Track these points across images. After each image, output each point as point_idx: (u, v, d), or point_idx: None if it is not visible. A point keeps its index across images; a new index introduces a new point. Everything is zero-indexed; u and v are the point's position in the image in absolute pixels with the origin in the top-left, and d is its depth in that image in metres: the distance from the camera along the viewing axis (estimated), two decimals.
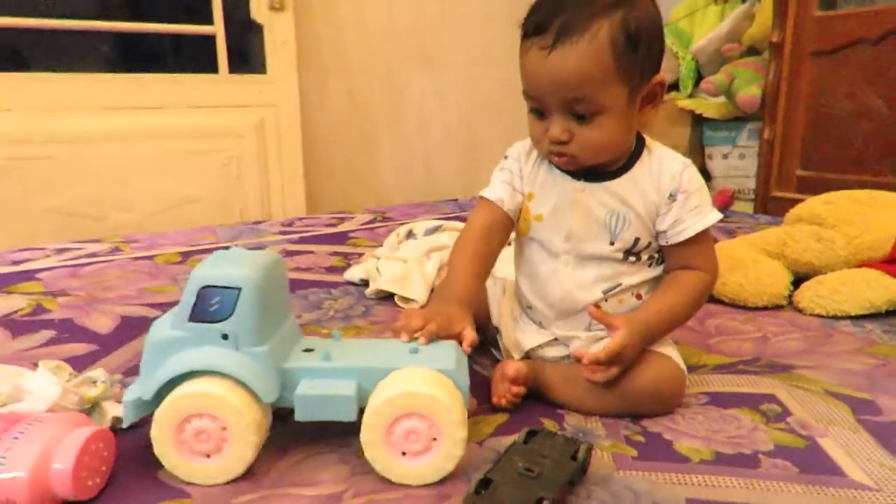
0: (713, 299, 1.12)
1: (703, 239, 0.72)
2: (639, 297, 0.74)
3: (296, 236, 1.66)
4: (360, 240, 1.62)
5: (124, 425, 0.62)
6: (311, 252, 1.48)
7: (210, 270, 0.60)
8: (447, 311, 0.68)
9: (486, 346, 0.87)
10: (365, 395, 0.60)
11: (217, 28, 1.94)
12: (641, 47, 0.65)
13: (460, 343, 0.66)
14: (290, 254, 1.46)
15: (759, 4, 2.22)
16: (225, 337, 0.58)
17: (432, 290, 1.10)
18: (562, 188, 0.73)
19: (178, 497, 0.56)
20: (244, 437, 0.57)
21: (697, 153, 2.37)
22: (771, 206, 2.02)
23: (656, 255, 0.74)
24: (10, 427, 0.54)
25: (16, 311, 1.07)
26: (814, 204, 1.22)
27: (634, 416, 0.70)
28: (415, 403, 0.57)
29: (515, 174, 0.76)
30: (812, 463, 0.62)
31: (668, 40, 2.44)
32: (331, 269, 1.33)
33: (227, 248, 1.50)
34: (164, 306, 1.08)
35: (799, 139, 1.96)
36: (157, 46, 2.02)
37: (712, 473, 0.60)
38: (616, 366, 0.67)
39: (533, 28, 0.65)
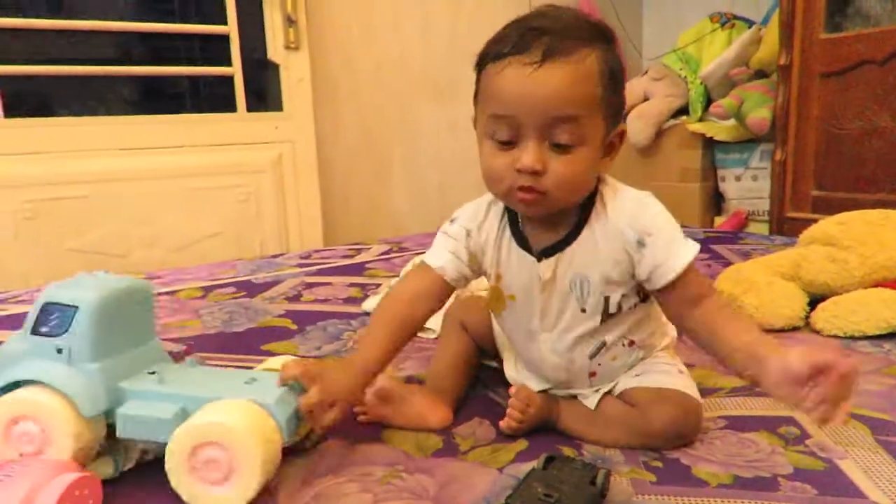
0: None
1: (690, 271, 0.65)
2: (630, 343, 0.72)
3: (314, 268, 1.68)
4: (376, 270, 1.64)
5: None
6: (329, 284, 1.51)
7: (56, 289, 0.65)
8: (334, 380, 0.65)
9: (501, 372, 0.87)
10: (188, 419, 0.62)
11: (235, 69, 2.00)
12: (618, 87, 0.64)
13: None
14: (308, 286, 1.49)
15: (765, 28, 2.25)
16: (60, 351, 0.62)
17: None
18: (525, 269, 0.70)
19: None
20: (63, 443, 0.60)
21: (710, 176, 2.38)
22: (786, 226, 2.02)
23: (637, 299, 0.70)
24: None
25: None
26: (827, 225, 1.22)
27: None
28: (211, 432, 0.58)
29: (460, 243, 0.72)
30: (831, 485, 0.62)
31: (677, 65, 2.48)
32: (349, 300, 1.36)
33: (248, 281, 1.54)
34: (187, 340, 1.10)
35: (812, 160, 1.97)
36: (177, 88, 2.09)
37: (731, 497, 0.60)
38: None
39: (510, 47, 0.61)
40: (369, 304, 1.27)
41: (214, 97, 2.08)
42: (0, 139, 1.73)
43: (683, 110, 2.45)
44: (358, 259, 1.81)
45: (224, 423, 0.58)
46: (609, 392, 0.74)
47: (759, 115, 2.07)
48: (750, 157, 2.27)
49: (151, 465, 0.67)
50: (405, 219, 2.45)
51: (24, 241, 1.77)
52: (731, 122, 2.24)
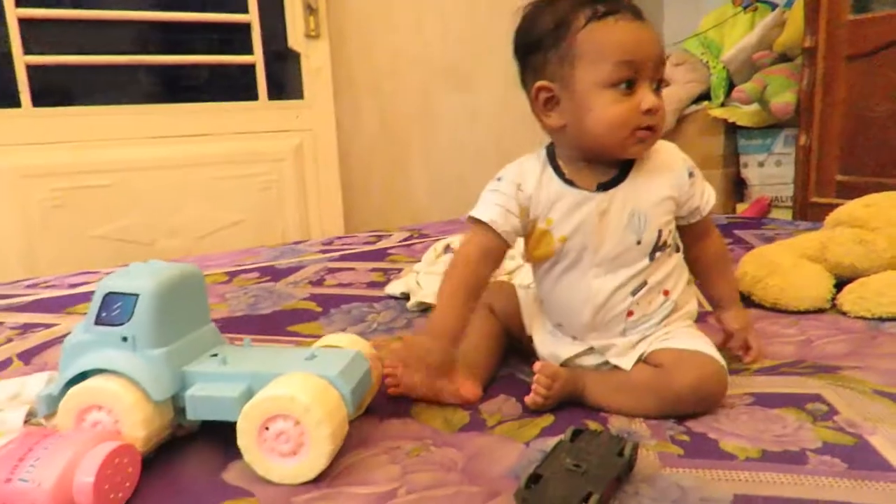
0: (753, 304, 1.11)
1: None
2: (665, 293, 0.77)
3: (336, 254, 1.70)
4: (398, 256, 1.65)
5: (39, 416, 0.67)
6: (352, 269, 1.52)
7: (115, 279, 0.65)
8: (433, 360, 0.73)
9: (527, 354, 0.88)
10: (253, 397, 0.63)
11: (256, 57, 2.02)
12: None
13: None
14: (331, 271, 1.50)
15: (788, 11, 2.22)
16: (125, 339, 0.63)
17: None
18: (582, 204, 0.73)
19: (243, 497, 0.59)
20: (134, 430, 0.62)
21: (732, 162, 2.35)
22: (810, 212, 2.00)
23: (672, 243, 0.78)
24: (42, 440, 0.58)
25: None
26: (854, 207, 1.21)
27: (677, 417, 0.71)
28: (278, 406, 0.59)
29: (510, 197, 0.75)
30: (861, 459, 0.62)
31: (698, 50, 2.45)
32: (372, 285, 1.37)
33: (271, 266, 1.56)
34: (215, 323, 1.12)
35: (837, 144, 1.95)
36: (199, 77, 2.11)
37: (759, 470, 0.60)
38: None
39: (605, 10, 0.69)
40: (392, 288, 1.28)
41: (236, 86, 2.10)
42: (28, 128, 1.77)
43: (705, 96, 2.43)
44: (379, 245, 1.82)
45: (291, 395, 0.59)
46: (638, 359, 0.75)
47: (783, 99, 2.04)
48: (773, 142, 2.25)
49: (186, 440, 0.69)
50: (424, 207, 2.46)
51: (52, 229, 1.80)
52: (754, 106, 2.22)
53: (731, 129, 2.33)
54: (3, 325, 1.17)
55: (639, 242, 0.74)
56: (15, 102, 1.76)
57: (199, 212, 1.99)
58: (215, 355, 0.69)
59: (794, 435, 0.67)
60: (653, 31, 0.70)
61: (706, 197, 0.79)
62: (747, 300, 1.13)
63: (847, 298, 1.06)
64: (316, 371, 0.63)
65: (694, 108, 2.41)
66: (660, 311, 0.76)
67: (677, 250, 0.79)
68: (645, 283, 0.75)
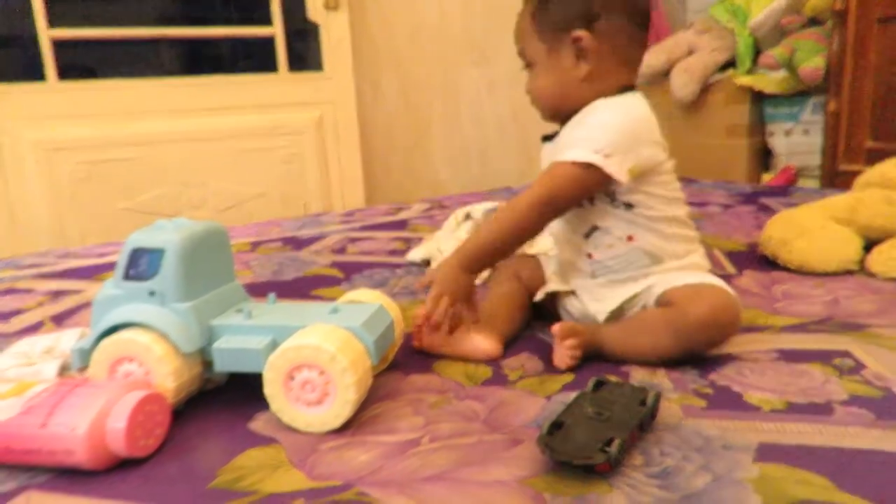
0: (778, 267, 1.10)
1: (556, 167, 0.75)
2: (629, 238, 0.77)
3: (357, 225, 1.71)
4: (419, 226, 1.66)
5: (72, 370, 0.68)
6: (373, 238, 1.53)
7: (141, 234, 0.66)
8: None
9: (550, 320, 0.88)
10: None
11: (276, 29, 2.01)
12: (552, 7, 0.77)
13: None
14: (352, 240, 1.51)
15: None
16: (152, 294, 0.64)
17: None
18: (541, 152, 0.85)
19: (269, 444, 0.60)
20: (164, 381, 0.63)
21: (758, 132, 2.30)
22: (838, 180, 1.95)
23: (624, 199, 0.76)
24: (75, 388, 0.60)
25: None
26: (885, 168, 1.18)
27: (694, 355, 0.72)
28: (304, 355, 0.60)
29: None
30: (890, 410, 0.61)
31: (725, 17, 2.39)
32: (393, 252, 1.37)
33: (294, 237, 1.57)
34: None
35: (868, 110, 1.89)
36: (219, 50, 2.11)
37: (785, 421, 0.60)
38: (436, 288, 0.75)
39: None
40: (413, 255, 1.29)
41: (257, 59, 2.09)
42: (53, 102, 1.79)
43: (730, 64, 2.37)
44: (400, 216, 1.82)
45: (317, 345, 0.60)
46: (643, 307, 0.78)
47: (812, 63, 1.99)
48: (801, 110, 2.19)
49: (213, 393, 0.71)
50: (445, 180, 2.45)
51: (79, 201, 1.83)
52: (782, 73, 2.16)
53: (758, 98, 2.27)
54: (35, 291, 1.20)
55: None
56: (40, 76, 1.78)
57: (222, 184, 2.00)
58: (241, 311, 0.70)
59: (820, 388, 0.66)
60: (519, 20, 0.81)
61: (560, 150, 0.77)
62: (773, 263, 1.12)
63: (876, 259, 1.04)
64: (340, 323, 0.64)
65: (719, 76, 2.35)
66: (627, 256, 0.78)
67: (629, 207, 0.76)
68: (596, 227, 0.78)
